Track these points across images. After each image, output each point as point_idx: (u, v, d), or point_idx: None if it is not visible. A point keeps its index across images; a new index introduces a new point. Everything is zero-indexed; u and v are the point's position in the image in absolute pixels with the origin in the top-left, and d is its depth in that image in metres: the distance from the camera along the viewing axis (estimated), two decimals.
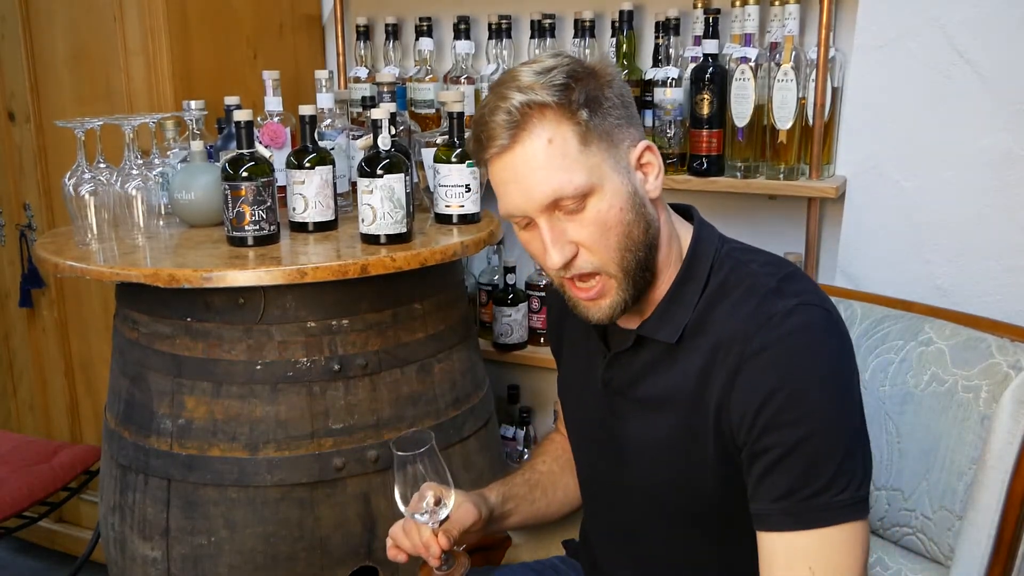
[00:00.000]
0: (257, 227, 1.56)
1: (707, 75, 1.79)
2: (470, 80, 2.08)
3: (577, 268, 1.03)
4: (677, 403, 1.06)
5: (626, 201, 1.01)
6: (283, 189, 1.68)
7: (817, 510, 0.96)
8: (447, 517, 1.14)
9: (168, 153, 1.83)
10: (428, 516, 1.13)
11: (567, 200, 0.99)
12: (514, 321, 2.13)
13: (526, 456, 2.16)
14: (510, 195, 1.02)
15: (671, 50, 1.89)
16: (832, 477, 0.96)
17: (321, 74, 1.85)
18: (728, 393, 1.00)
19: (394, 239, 1.56)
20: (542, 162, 0.98)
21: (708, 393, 1.02)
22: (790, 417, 0.96)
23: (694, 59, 1.85)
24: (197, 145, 1.74)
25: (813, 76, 1.74)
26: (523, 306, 2.14)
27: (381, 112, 1.57)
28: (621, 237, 1.01)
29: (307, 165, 1.61)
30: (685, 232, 1.09)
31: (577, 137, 0.98)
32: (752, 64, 1.75)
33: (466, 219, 1.72)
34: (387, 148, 1.55)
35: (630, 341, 1.09)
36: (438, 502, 1.13)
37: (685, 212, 1.13)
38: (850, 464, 0.97)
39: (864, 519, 0.98)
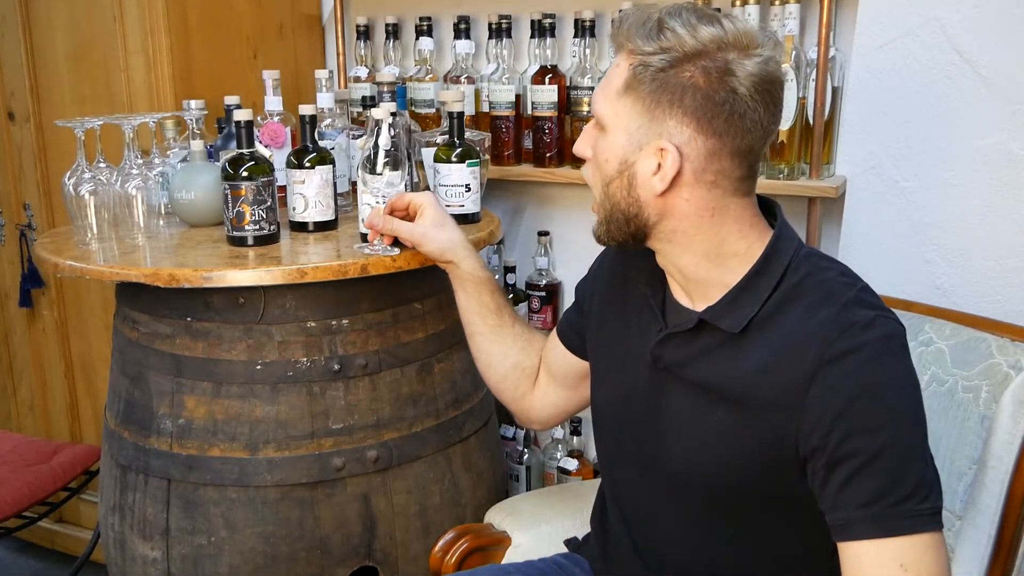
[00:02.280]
0: (257, 227, 1.56)
1: None
2: (470, 80, 2.08)
3: (583, 170, 1.14)
4: (731, 393, 1.05)
5: (614, 159, 1.06)
6: (283, 189, 1.68)
7: (903, 517, 0.96)
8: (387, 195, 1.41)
9: (168, 153, 1.83)
10: (377, 182, 1.42)
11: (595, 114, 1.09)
12: None
13: (526, 456, 2.16)
14: None
15: None
16: (915, 486, 0.96)
17: (321, 74, 1.85)
18: (801, 395, 0.99)
19: (394, 239, 1.56)
20: (607, 76, 1.07)
21: (770, 391, 1.01)
22: (875, 422, 0.96)
23: None
24: (197, 145, 1.74)
25: (813, 76, 1.74)
26: (523, 306, 2.14)
27: (381, 112, 1.57)
28: (603, 178, 1.08)
29: (307, 165, 1.61)
30: (765, 229, 1.09)
31: (624, 79, 1.04)
32: None
33: (466, 219, 1.72)
34: (387, 148, 1.55)
35: (691, 323, 1.09)
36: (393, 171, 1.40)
37: (769, 209, 1.13)
38: (927, 474, 0.98)
39: (942, 531, 0.98)
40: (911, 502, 0.96)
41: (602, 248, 1.30)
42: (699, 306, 1.10)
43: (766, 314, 1.04)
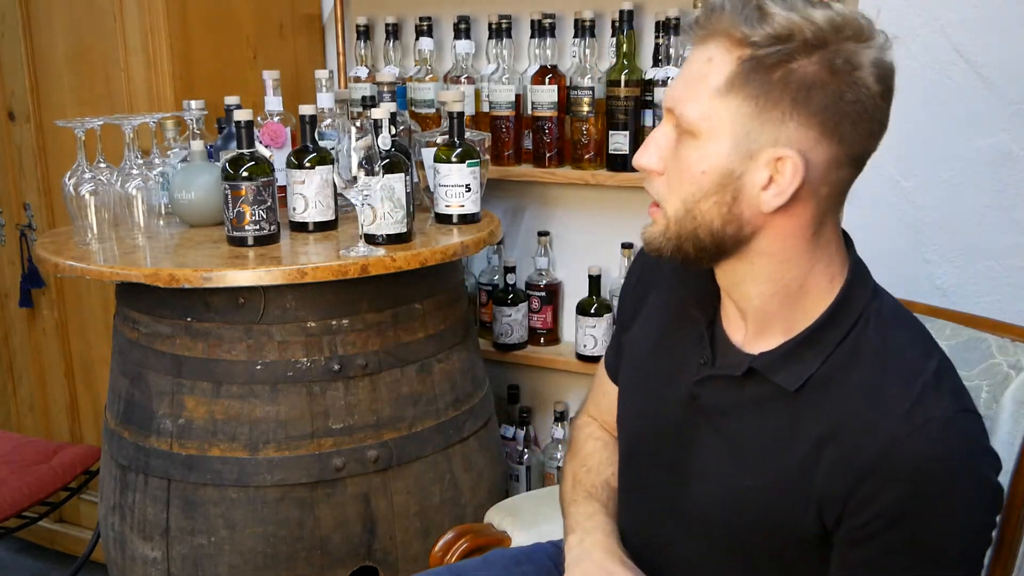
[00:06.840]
0: (257, 227, 1.56)
1: None
2: (470, 80, 2.08)
3: (648, 183, 0.95)
4: (774, 462, 0.93)
5: (714, 172, 0.89)
6: (283, 189, 1.68)
7: None
8: None
9: (168, 153, 1.83)
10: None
11: (677, 117, 0.91)
12: (514, 321, 2.12)
13: (526, 456, 2.16)
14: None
15: (671, 50, 1.89)
16: None
17: (321, 74, 1.85)
18: (853, 487, 0.87)
19: (394, 239, 1.56)
20: (692, 72, 0.90)
21: (820, 473, 0.90)
22: (921, 545, 0.86)
23: None
24: (197, 145, 1.74)
25: None
26: (523, 306, 2.14)
27: (381, 112, 1.57)
28: (689, 195, 0.90)
29: (307, 165, 1.61)
30: (845, 259, 0.97)
31: (727, 75, 0.87)
32: None
33: (466, 219, 1.72)
34: (387, 148, 1.55)
35: (740, 369, 0.95)
36: None
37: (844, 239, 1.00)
38: None
39: None
40: None
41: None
42: (753, 346, 0.97)
43: (826, 373, 0.91)
